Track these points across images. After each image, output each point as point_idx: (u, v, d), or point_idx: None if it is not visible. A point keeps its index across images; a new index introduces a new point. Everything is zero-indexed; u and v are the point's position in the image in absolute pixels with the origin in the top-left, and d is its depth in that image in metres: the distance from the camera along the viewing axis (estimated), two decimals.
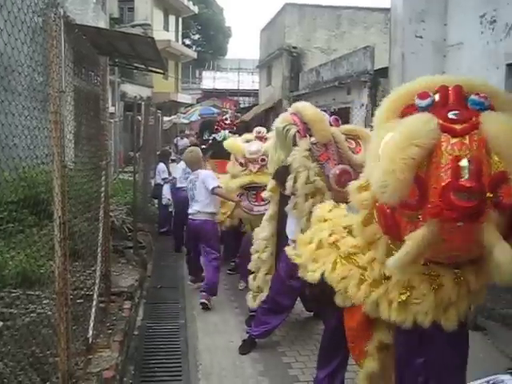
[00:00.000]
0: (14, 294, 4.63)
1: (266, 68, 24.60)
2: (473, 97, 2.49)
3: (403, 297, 2.81)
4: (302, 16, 20.34)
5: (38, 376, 3.49)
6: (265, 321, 5.10)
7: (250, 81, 37.54)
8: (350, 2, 22.07)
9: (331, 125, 4.81)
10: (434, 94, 2.57)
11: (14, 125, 3.18)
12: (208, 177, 6.50)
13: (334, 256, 3.23)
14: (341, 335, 3.53)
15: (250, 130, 8.22)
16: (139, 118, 11.19)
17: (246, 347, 5.07)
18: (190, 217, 6.68)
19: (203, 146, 8.65)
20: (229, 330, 5.60)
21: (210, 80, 40.35)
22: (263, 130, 6.82)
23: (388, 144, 2.45)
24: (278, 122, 4.79)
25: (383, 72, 10.33)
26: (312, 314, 5.96)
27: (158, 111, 16.02)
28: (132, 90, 22.48)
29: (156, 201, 11.13)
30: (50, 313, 4.22)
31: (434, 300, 2.71)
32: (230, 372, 4.64)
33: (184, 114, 29.23)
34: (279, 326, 5.23)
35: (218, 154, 7.80)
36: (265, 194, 5.48)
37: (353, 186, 3.02)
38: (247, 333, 5.24)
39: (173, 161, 11.23)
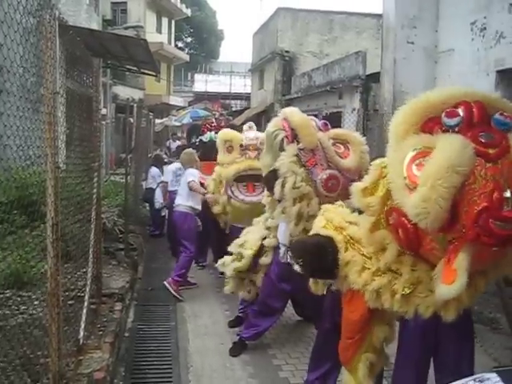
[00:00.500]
0: (5, 295, 4.62)
1: (258, 71, 24.64)
2: (497, 116, 2.51)
3: (407, 290, 2.85)
4: (294, 20, 20.42)
5: (28, 376, 3.49)
6: (255, 323, 5.12)
7: (242, 84, 37.56)
8: (342, 7, 22.13)
9: (320, 129, 4.83)
10: (457, 108, 2.56)
11: (7, 125, 3.18)
12: (188, 173, 7.10)
13: (340, 238, 3.24)
14: (334, 339, 3.56)
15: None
16: (131, 120, 11.20)
17: (237, 349, 5.08)
18: (173, 209, 7.35)
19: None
20: (219, 333, 5.61)
21: (202, 83, 40.31)
22: (252, 123, 6.89)
23: (427, 169, 2.42)
24: (270, 127, 4.83)
25: (375, 77, 10.39)
26: (302, 318, 5.97)
27: (150, 113, 16.00)
28: (124, 92, 22.42)
29: (147, 204, 11.11)
30: (41, 314, 4.22)
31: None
32: (220, 374, 4.65)
33: (175, 116, 29.20)
34: (269, 328, 5.25)
35: (205, 156, 7.83)
36: (264, 200, 5.44)
37: (357, 187, 3.02)
38: (238, 335, 5.26)
39: (164, 163, 11.24)
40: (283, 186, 4.48)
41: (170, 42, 35.26)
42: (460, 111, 2.54)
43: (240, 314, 5.80)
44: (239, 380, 4.55)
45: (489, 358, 4.73)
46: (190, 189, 6.94)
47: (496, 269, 2.69)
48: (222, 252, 7.91)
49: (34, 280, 4.96)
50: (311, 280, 3.81)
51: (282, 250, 4.95)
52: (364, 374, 3.31)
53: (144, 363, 4.77)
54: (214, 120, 10.41)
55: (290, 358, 5.03)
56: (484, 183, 2.36)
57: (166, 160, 11.67)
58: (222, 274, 7.67)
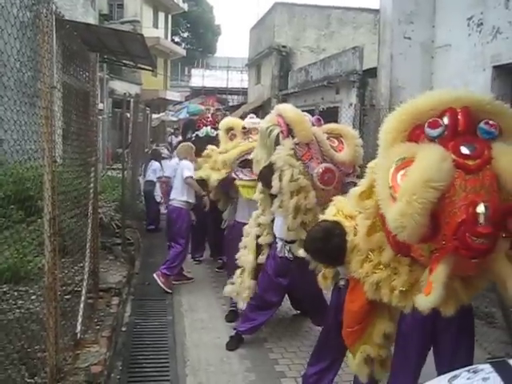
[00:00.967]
0: (2, 290, 4.63)
1: (255, 67, 24.61)
2: (483, 125, 2.51)
3: (405, 287, 2.91)
4: (291, 15, 20.38)
5: (26, 370, 3.50)
6: (252, 317, 5.14)
7: (238, 79, 37.47)
8: (339, 3, 22.12)
9: (313, 125, 4.86)
10: (441, 116, 2.56)
11: (4, 120, 3.18)
12: (185, 167, 7.02)
13: (351, 223, 3.29)
14: (336, 336, 3.59)
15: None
16: (128, 115, 11.17)
17: (234, 343, 5.10)
18: (168, 202, 7.45)
19: None
20: (216, 327, 5.62)
21: (199, 78, 40.20)
22: (253, 115, 6.84)
23: (404, 183, 2.44)
24: (264, 123, 4.88)
25: (372, 72, 10.40)
26: (299, 312, 6.00)
27: (147, 108, 15.98)
28: (120, 86, 22.37)
29: (143, 198, 11.14)
30: (38, 308, 4.23)
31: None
32: (217, 368, 4.67)
33: (172, 111, 29.14)
34: (266, 322, 5.27)
35: (201, 151, 7.80)
36: (256, 197, 5.44)
37: (355, 192, 3.09)
38: (234, 329, 5.27)
39: (164, 158, 11.27)
40: (280, 179, 4.50)
41: (166, 37, 35.14)
42: (445, 120, 2.55)
43: (233, 308, 5.82)
44: (236, 374, 4.57)
45: (484, 351, 4.76)
46: (188, 184, 6.93)
47: (500, 286, 2.69)
48: (218, 247, 7.98)
49: (31, 274, 4.96)
50: (320, 275, 3.85)
51: (280, 244, 4.97)
52: (359, 363, 3.39)
53: (141, 357, 4.78)
54: (209, 115, 10.39)
55: (287, 351, 5.06)
56: (464, 195, 2.38)
57: (165, 155, 11.67)
58: (219, 268, 7.75)
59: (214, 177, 6.80)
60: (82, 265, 4.91)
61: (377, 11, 11.89)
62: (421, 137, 2.60)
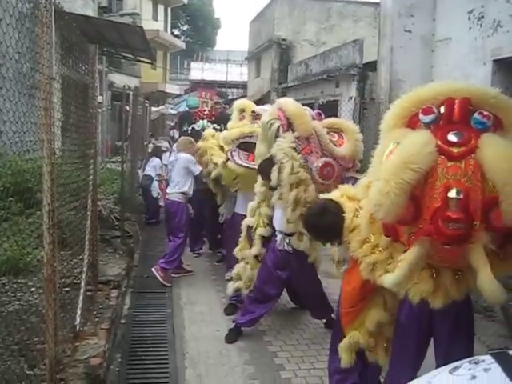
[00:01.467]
0: (1, 282, 4.63)
1: (254, 60, 24.53)
2: (476, 116, 2.52)
3: None
4: (291, 8, 20.29)
5: (25, 362, 3.50)
6: (251, 309, 5.15)
7: (238, 72, 37.36)
8: None
9: (314, 119, 4.87)
10: (440, 105, 2.59)
11: (3, 110, 3.16)
12: (190, 162, 7.02)
13: (350, 204, 3.33)
14: None
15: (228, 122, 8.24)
16: (127, 107, 11.14)
17: (233, 336, 5.11)
18: (166, 196, 7.50)
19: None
20: (215, 320, 5.63)
21: (199, 71, 40.07)
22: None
23: (387, 162, 2.51)
24: (265, 117, 4.89)
25: (372, 65, 10.37)
26: (298, 305, 6.01)
27: (146, 101, 15.94)
28: (120, 79, 22.32)
29: (141, 191, 11.17)
30: (37, 300, 4.23)
31: (432, 286, 2.84)
32: (216, 360, 4.67)
33: (172, 104, 29.08)
34: (265, 314, 5.28)
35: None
36: (255, 189, 5.43)
37: (363, 182, 3.16)
38: (233, 321, 5.28)
39: (164, 151, 11.33)
40: (280, 172, 4.50)
41: (166, 30, 35.04)
42: (441, 109, 2.58)
43: (233, 302, 5.83)
44: (235, 366, 4.58)
45: (482, 345, 4.77)
46: (204, 179, 7.12)
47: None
48: (217, 240, 8.00)
49: (30, 267, 4.96)
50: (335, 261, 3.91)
51: (279, 237, 4.98)
52: (345, 347, 3.44)
53: (140, 350, 4.80)
54: (206, 108, 10.38)
55: (286, 344, 5.07)
56: (445, 182, 2.40)
57: (165, 149, 11.69)
58: (219, 261, 7.76)
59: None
60: (81, 257, 4.91)
61: (377, 4, 11.87)
62: (417, 124, 2.63)
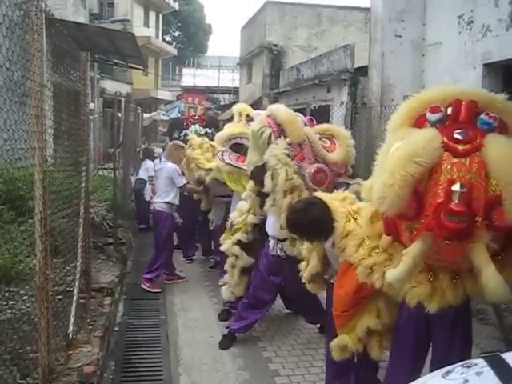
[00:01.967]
0: None
1: (246, 65, 24.57)
2: (483, 116, 2.56)
3: None
4: (282, 14, 20.35)
5: (18, 371, 3.48)
6: (244, 316, 5.14)
7: (230, 78, 37.38)
8: (330, 1, 22.13)
9: (306, 125, 4.89)
10: (448, 107, 2.63)
11: None
12: (174, 172, 6.84)
13: (345, 209, 3.36)
14: None
15: (218, 125, 8.26)
16: (119, 114, 11.13)
17: (227, 342, 5.09)
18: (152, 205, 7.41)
19: None
20: (209, 326, 5.62)
21: (190, 77, 40.06)
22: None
23: (392, 157, 2.54)
24: (254, 125, 4.88)
25: (363, 70, 10.41)
26: (292, 310, 6.00)
27: (138, 108, 15.93)
28: (111, 86, 22.28)
29: (134, 196, 11.10)
30: (30, 309, 4.20)
31: (429, 289, 2.86)
32: (210, 367, 4.66)
33: (163, 110, 29.03)
34: (259, 320, 5.27)
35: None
36: (244, 195, 5.50)
37: (366, 184, 3.14)
38: (227, 327, 5.27)
39: (156, 157, 11.25)
40: (273, 178, 4.51)
41: (157, 36, 35.04)
42: (449, 110, 2.62)
43: (226, 307, 5.82)
44: (229, 372, 4.57)
45: (476, 348, 4.77)
46: (186, 191, 7.02)
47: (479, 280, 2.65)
48: (210, 246, 7.98)
49: (22, 275, 4.93)
50: (309, 282, 3.88)
51: (272, 242, 4.98)
52: (335, 347, 3.48)
53: (134, 357, 4.77)
54: (194, 113, 10.35)
55: (280, 350, 5.06)
56: (449, 178, 2.43)
57: (157, 155, 11.63)
58: (212, 267, 7.74)
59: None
60: (73, 265, 4.89)
61: (367, 10, 11.90)
62: (424, 124, 2.67)
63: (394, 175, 2.43)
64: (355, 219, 3.31)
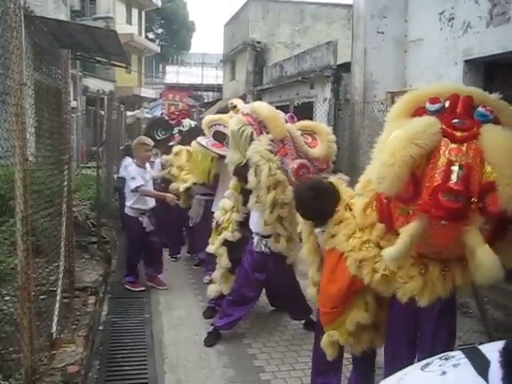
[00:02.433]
0: None
1: (229, 63, 24.52)
2: (479, 109, 2.70)
3: (387, 271, 3.01)
4: (265, 11, 20.33)
5: (0, 372, 3.45)
6: (229, 312, 5.14)
7: (213, 75, 37.37)
8: None
9: (286, 122, 4.92)
10: (445, 100, 2.78)
11: None
12: (128, 175, 6.53)
13: (346, 196, 3.44)
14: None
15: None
16: (102, 112, 11.04)
17: (212, 339, 5.09)
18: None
19: (172, 143, 8.53)
20: (194, 324, 5.61)
21: (174, 74, 40.00)
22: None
23: (392, 139, 2.64)
24: (233, 125, 4.88)
25: (346, 67, 10.43)
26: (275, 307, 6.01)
27: (121, 106, 15.82)
28: (94, 84, 22.13)
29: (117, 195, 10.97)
30: (12, 309, 4.16)
31: (421, 284, 2.92)
32: (195, 364, 4.66)
33: (147, 108, 28.86)
34: (243, 317, 5.27)
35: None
36: (226, 193, 5.53)
37: (362, 179, 3.24)
38: (212, 325, 5.26)
39: None
40: (256, 174, 4.53)
41: (140, 34, 34.84)
42: (446, 103, 2.77)
43: (211, 305, 5.82)
44: (214, 370, 4.57)
45: (459, 340, 4.82)
46: (142, 194, 6.45)
47: (470, 263, 2.71)
48: (194, 245, 7.97)
49: (3, 275, 4.87)
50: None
51: (256, 239, 4.99)
52: (325, 344, 3.48)
53: (119, 356, 4.76)
54: (174, 110, 10.20)
55: (265, 346, 5.07)
56: (446, 162, 2.53)
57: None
58: (197, 265, 7.73)
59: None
60: (56, 264, 4.85)
61: (350, 6, 11.94)
62: (423, 115, 2.77)
63: (394, 155, 2.52)
64: (350, 210, 3.35)
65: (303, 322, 5.51)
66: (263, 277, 5.09)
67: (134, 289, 6.66)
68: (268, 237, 4.90)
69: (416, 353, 3.30)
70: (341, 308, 3.36)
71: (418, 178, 2.58)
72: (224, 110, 7.30)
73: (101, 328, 5.40)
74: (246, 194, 5.04)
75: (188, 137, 7.83)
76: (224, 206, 5.45)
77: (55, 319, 4.34)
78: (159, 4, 37.57)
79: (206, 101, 33.18)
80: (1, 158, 3.58)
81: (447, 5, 7.49)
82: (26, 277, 3.34)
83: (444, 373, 0.99)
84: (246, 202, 5.16)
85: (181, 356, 4.81)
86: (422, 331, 3.22)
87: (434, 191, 2.49)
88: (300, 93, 13.27)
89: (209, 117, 6.53)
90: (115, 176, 11.38)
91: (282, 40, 20.04)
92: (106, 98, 11.21)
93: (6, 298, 4.48)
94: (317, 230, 3.60)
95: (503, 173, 2.45)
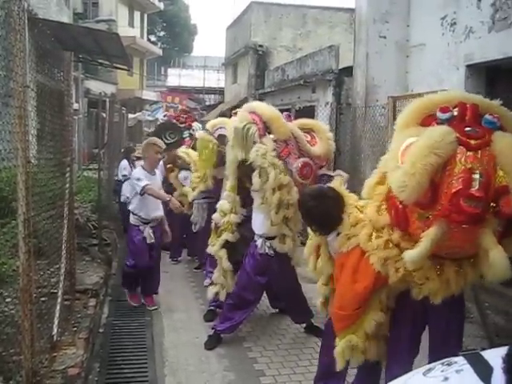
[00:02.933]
0: None
1: (231, 66, 24.54)
2: (487, 116, 2.85)
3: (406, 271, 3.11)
4: (267, 14, 20.36)
5: (1, 374, 3.45)
6: (230, 316, 5.14)
7: (215, 78, 37.40)
8: (315, 2, 22.14)
9: None
10: (453, 108, 2.91)
11: None
12: (134, 177, 5.88)
13: (352, 200, 3.50)
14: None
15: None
16: (104, 114, 11.05)
17: (212, 343, 5.09)
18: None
19: (183, 147, 8.49)
20: (194, 327, 5.61)
21: (176, 77, 40.02)
22: None
23: (411, 149, 2.78)
24: (238, 122, 4.89)
25: (348, 71, 10.43)
26: (277, 310, 6.01)
27: (123, 108, 15.86)
28: (96, 86, 22.14)
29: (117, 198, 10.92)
30: (13, 311, 4.16)
31: (438, 284, 3.08)
32: (196, 367, 4.65)
33: (148, 111, 28.90)
34: (244, 320, 5.27)
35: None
36: (224, 195, 5.56)
37: (370, 182, 3.37)
38: (212, 328, 5.26)
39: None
40: (260, 176, 4.58)
41: (142, 36, 34.90)
42: (454, 111, 2.89)
43: (211, 308, 5.81)
44: (215, 373, 4.56)
45: None
46: (149, 195, 5.75)
47: (483, 262, 2.86)
48: (195, 249, 7.97)
49: (5, 277, 4.88)
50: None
51: (260, 241, 4.99)
52: (341, 351, 3.38)
53: (119, 359, 4.76)
54: (171, 113, 10.17)
55: (265, 350, 5.06)
56: (463, 169, 2.66)
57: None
58: (197, 268, 7.73)
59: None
60: (57, 266, 4.85)
61: (352, 10, 11.95)
62: (431, 123, 2.93)
63: (415, 165, 2.65)
64: (361, 212, 3.40)
65: (304, 325, 5.50)
66: (264, 280, 5.09)
67: (132, 302, 6.16)
68: (272, 238, 4.92)
69: (416, 348, 3.44)
70: (363, 308, 3.33)
71: (435, 185, 2.70)
72: (226, 113, 7.34)
73: (101, 330, 5.40)
74: (243, 195, 5.07)
75: None
76: (222, 207, 5.43)
77: (56, 321, 4.35)
78: (161, 7, 37.65)
79: (207, 104, 33.21)
80: (3, 160, 3.58)
81: (449, 10, 7.50)
82: (27, 279, 3.34)
83: (446, 379, 0.99)
84: (243, 203, 5.19)
85: (181, 359, 4.81)
86: (432, 328, 3.37)
87: (455, 197, 2.62)
88: (302, 96, 13.26)
89: (212, 121, 6.57)
90: (115, 178, 11.40)
91: (284, 44, 20.06)
92: (107, 100, 11.24)
93: (8, 299, 4.49)
94: (329, 238, 3.56)
95: None
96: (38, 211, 4.08)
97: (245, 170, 4.83)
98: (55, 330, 4.27)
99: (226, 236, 5.36)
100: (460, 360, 1.04)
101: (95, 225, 8.06)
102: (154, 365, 4.67)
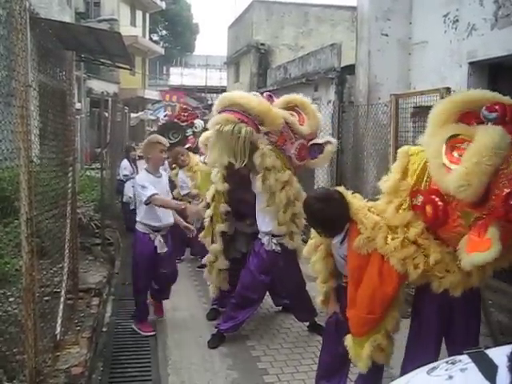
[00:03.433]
0: None
1: (233, 65, 24.53)
2: None
3: (426, 266, 3.18)
4: (269, 13, 20.35)
5: (4, 373, 3.45)
6: (233, 315, 5.13)
7: (217, 77, 37.36)
8: (317, 0, 22.10)
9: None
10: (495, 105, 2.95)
11: None
12: (138, 184, 5.15)
13: (360, 202, 3.50)
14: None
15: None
16: (106, 114, 11.06)
17: (215, 342, 5.09)
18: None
19: (188, 145, 8.52)
20: (198, 326, 5.60)
21: (178, 76, 40.02)
22: None
23: (473, 149, 2.78)
24: (223, 125, 4.60)
25: (350, 69, 10.41)
26: (281, 308, 6.01)
27: (125, 107, 15.86)
28: (98, 86, 22.17)
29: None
30: (16, 311, 4.17)
31: (460, 277, 3.15)
32: (199, 366, 4.65)
33: (151, 110, 28.93)
34: (247, 319, 5.26)
35: None
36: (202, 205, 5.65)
37: (393, 177, 3.37)
38: (216, 327, 5.25)
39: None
40: (263, 180, 4.66)
41: (144, 36, 34.96)
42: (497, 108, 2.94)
43: (214, 307, 5.81)
44: (218, 372, 4.56)
45: None
46: (155, 205, 5.11)
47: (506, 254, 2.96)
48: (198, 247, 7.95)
49: (8, 276, 4.89)
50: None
51: (266, 238, 4.99)
52: (369, 353, 3.33)
53: (122, 358, 4.76)
54: (169, 112, 10.19)
55: (269, 348, 5.06)
56: None
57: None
58: (200, 267, 7.72)
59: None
60: (60, 265, 4.86)
61: (354, 8, 11.91)
62: (471, 121, 2.98)
63: (480, 165, 2.67)
64: (373, 213, 3.38)
65: (307, 324, 5.50)
66: (268, 279, 5.09)
67: (142, 332, 5.33)
68: (279, 235, 4.92)
69: (441, 341, 3.52)
70: (389, 309, 3.32)
71: (488, 185, 2.73)
72: None
73: (104, 329, 5.40)
74: (234, 205, 5.21)
75: None
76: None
77: (59, 321, 4.35)
78: (163, 6, 37.68)
79: (209, 102, 33.15)
80: (6, 160, 3.58)
81: (452, 7, 7.47)
82: (30, 278, 3.35)
83: (451, 377, 0.99)
84: (228, 196, 5.26)
85: (184, 358, 4.81)
86: (456, 326, 3.43)
87: (509, 198, 2.67)
88: (304, 95, 13.22)
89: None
90: (117, 178, 11.41)
91: (286, 42, 20.04)
92: (110, 99, 11.22)
93: (11, 299, 4.49)
94: (334, 241, 3.54)
95: None
96: (41, 211, 4.08)
97: (244, 170, 4.84)
98: (58, 329, 4.28)
99: (219, 228, 5.32)
100: (464, 358, 1.04)
101: (98, 224, 8.06)
102: (157, 364, 4.67)
